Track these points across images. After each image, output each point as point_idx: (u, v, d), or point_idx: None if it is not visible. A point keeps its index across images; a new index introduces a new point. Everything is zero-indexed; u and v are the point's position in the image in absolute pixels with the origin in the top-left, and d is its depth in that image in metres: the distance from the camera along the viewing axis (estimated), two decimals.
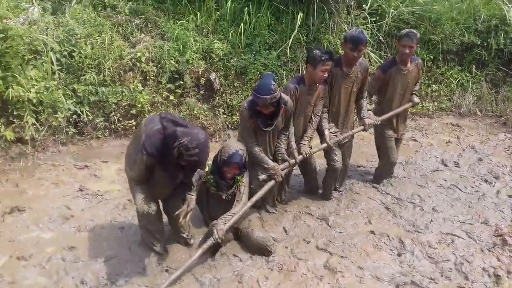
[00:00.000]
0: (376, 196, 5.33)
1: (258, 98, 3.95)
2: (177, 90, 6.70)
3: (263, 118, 4.14)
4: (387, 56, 8.10)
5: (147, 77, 6.57)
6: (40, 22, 6.16)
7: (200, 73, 6.82)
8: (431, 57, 8.39)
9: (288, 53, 7.32)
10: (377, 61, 7.91)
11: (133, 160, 3.50)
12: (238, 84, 7.05)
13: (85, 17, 6.54)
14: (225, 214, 3.96)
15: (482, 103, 8.40)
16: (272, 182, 4.33)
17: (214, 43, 7.02)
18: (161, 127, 3.35)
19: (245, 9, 7.21)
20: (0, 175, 5.21)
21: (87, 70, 6.17)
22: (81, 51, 6.16)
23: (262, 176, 4.31)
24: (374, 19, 8.14)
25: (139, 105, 6.32)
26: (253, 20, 7.24)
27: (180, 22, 7.11)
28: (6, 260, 3.82)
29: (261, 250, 4.09)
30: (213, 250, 4.01)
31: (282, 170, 4.39)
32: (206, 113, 6.81)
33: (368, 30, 7.94)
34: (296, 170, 5.18)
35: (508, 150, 6.91)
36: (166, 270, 3.81)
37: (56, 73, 5.97)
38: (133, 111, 6.35)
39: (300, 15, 7.22)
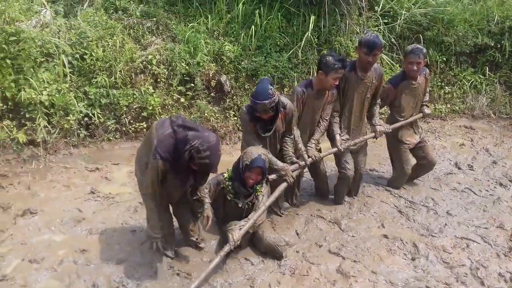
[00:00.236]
0: (389, 200, 5.26)
1: (256, 103, 3.89)
2: (187, 93, 6.70)
3: (262, 123, 4.11)
4: (399, 58, 8.04)
5: (158, 80, 6.57)
6: (52, 25, 6.20)
7: (210, 75, 6.81)
8: (444, 59, 8.32)
9: (300, 55, 7.29)
10: (389, 63, 7.86)
11: (144, 163, 3.49)
12: (248, 87, 7.02)
13: (97, 20, 6.57)
14: (241, 220, 3.93)
15: (495, 105, 8.33)
16: (284, 184, 4.29)
17: (225, 45, 7.01)
18: (172, 131, 3.34)
19: (256, 12, 7.19)
20: (12, 177, 5.23)
21: (99, 72, 6.19)
22: (92, 53, 6.18)
23: (272, 176, 4.27)
24: (386, 21, 8.09)
25: (150, 108, 6.32)
26: (264, 22, 7.22)
27: (191, 24, 7.11)
28: (18, 262, 3.81)
29: (273, 252, 4.05)
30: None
31: (292, 172, 4.35)
32: (217, 115, 6.79)
33: (380, 32, 7.88)
34: (307, 174, 5.15)
35: None
36: (177, 274, 3.79)
37: (68, 75, 6.00)
38: (144, 114, 6.35)
39: (313, 17, 7.18)
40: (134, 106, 6.32)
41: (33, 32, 5.74)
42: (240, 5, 7.20)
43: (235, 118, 6.88)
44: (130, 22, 6.89)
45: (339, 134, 4.73)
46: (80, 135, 6.00)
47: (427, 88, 5.32)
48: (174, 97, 6.61)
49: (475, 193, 5.51)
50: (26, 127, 5.63)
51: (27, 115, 5.61)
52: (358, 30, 7.77)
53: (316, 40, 7.41)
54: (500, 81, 8.48)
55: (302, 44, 7.22)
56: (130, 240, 4.21)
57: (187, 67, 6.65)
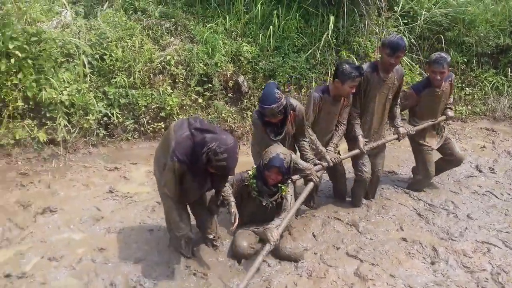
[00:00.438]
0: (408, 202, 5.19)
1: (264, 108, 3.90)
2: (205, 93, 6.72)
3: (272, 128, 4.10)
4: (418, 58, 7.94)
5: (176, 80, 6.61)
6: (73, 26, 6.29)
7: (228, 76, 6.82)
8: (465, 59, 8.18)
9: (318, 55, 7.25)
10: (408, 64, 7.76)
11: (163, 164, 3.52)
12: None
13: (116, 20, 6.64)
14: (274, 219, 3.93)
15: None
16: (311, 184, 4.28)
17: (243, 46, 7.01)
18: (189, 134, 3.36)
19: (274, 12, 7.18)
20: (33, 176, 5.31)
21: (118, 73, 6.26)
22: (112, 54, 6.25)
23: (295, 177, 4.25)
24: (406, 21, 8.00)
25: (168, 108, 6.36)
26: (282, 23, 7.20)
27: (209, 25, 7.13)
28: (38, 260, 3.86)
29: (291, 260, 4.03)
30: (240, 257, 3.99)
31: (317, 172, 4.33)
32: (234, 116, 6.80)
33: (399, 33, 7.79)
34: (324, 175, 5.10)
35: None
36: (194, 274, 3.79)
37: (88, 75, 6.07)
38: (162, 114, 6.39)
39: (332, 18, 7.14)
40: (153, 106, 6.37)
41: (54, 33, 5.83)
42: (258, 5, 7.19)
43: None
44: (149, 22, 6.95)
45: (362, 136, 4.69)
46: (99, 134, 6.06)
47: (451, 93, 5.26)
48: (192, 98, 6.64)
49: (496, 197, 5.40)
50: (47, 127, 5.71)
51: (47, 115, 5.70)
52: (377, 31, 7.70)
53: (334, 40, 7.36)
54: None
55: (321, 45, 7.18)
56: (147, 239, 4.23)
57: (205, 68, 6.67)
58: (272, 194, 4.03)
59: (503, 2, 8.53)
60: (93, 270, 3.77)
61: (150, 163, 5.75)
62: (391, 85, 4.65)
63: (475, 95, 8.17)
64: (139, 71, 6.35)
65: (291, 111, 4.15)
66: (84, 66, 6.01)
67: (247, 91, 6.96)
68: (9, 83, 5.51)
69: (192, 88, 6.64)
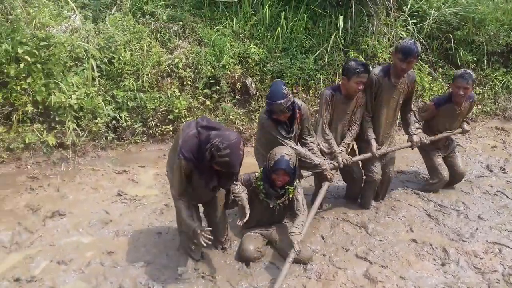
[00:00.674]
0: (418, 203, 5.15)
1: (272, 104, 3.89)
2: (213, 95, 6.73)
3: (282, 125, 4.10)
4: (428, 58, 7.88)
5: (184, 83, 6.62)
6: (81, 30, 6.32)
7: (236, 78, 6.82)
8: (475, 58, 8.12)
9: (326, 56, 7.22)
10: (417, 64, 7.69)
11: (172, 165, 3.52)
12: None
13: (125, 24, 6.67)
14: (294, 224, 3.89)
15: None
16: (327, 184, 4.29)
17: (251, 48, 7.00)
18: (196, 132, 3.36)
19: (282, 14, 7.17)
20: (42, 179, 5.34)
21: (126, 76, 6.28)
22: (120, 57, 6.28)
23: (307, 173, 4.23)
24: (415, 21, 7.95)
25: (176, 111, 6.37)
26: (290, 24, 7.19)
27: (217, 27, 7.14)
28: (47, 264, 3.88)
29: (300, 262, 4.00)
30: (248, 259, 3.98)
31: (331, 170, 4.33)
32: (242, 117, 6.80)
33: (408, 33, 7.75)
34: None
35: None
36: (202, 277, 3.78)
37: (96, 79, 6.10)
38: (171, 117, 6.41)
39: (340, 18, 7.11)
40: (161, 109, 6.38)
41: (63, 37, 5.86)
42: (266, 7, 7.19)
43: None
44: (157, 26, 6.96)
45: (375, 139, 4.67)
46: (108, 138, 6.09)
47: (469, 113, 5.31)
48: (200, 100, 6.65)
49: (507, 197, 5.34)
50: (56, 130, 5.75)
51: (56, 119, 5.74)
52: (385, 31, 7.66)
53: (342, 41, 7.33)
54: None
55: (329, 46, 7.15)
56: (156, 242, 4.23)
57: (212, 70, 6.68)
58: (279, 196, 4.01)
59: None
60: (101, 274, 3.78)
61: (158, 166, 5.80)
62: (402, 90, 4.61)
63: (485, 94, 8.11)
64: (147, 74, 6.37)
65: (298, 110, 4.15)
66: (93, 70, 6.05)
67: (255, 93, 6.96)
68: (18, 88, 5.56)
69: (200, 91, 6.65)
